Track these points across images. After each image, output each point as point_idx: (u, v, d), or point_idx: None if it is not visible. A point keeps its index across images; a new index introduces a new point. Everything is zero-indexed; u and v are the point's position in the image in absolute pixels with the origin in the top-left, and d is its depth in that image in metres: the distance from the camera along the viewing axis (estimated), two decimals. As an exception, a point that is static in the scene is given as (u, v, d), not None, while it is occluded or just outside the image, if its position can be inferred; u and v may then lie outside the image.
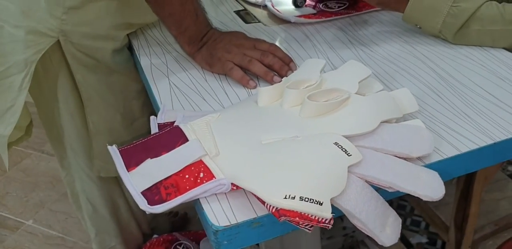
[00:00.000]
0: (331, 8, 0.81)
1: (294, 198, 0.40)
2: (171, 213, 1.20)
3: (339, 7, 0.81)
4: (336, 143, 0.44)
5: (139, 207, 0.42)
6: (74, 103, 0.76)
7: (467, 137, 0.50)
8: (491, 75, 0.60)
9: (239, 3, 0.88)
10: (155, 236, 1.03)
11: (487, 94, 0.57)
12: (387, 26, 0.75)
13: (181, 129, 0.47)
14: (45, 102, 0.77)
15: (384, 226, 0.43)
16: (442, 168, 0.47)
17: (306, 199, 0.40)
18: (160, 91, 0.61)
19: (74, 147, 0.82)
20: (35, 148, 1.59)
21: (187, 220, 1.23)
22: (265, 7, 0.84)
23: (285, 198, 0.40)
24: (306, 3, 0.82)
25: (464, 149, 0.48)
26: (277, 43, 0.72)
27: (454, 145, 0.49)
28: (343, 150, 0.44)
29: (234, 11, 0.85)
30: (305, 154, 0.43)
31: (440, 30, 0.66)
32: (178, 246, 1.03)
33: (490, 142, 0.49)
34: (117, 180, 0.89)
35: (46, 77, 0.73)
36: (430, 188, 0.43)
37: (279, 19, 0.80)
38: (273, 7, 0.81)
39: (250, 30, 0.77)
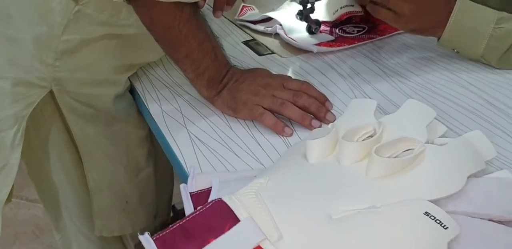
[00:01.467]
0: (349, 33, 0.74)
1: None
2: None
3: (358, 31, 0.74)
4: (427, 213, 0.35)
5: None
6: (70, 160, 0.66)
7: (561, 185, 0.42)
8: (555, 103, 0.53)
9: (247, 33, 0.80)
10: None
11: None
12: (417, 51, 0.68)
13: (226, 204, 0.38)
14: (36, 159, 0.67)
15: None
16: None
17: (409, 295, 0.31)
18: (180, 146, 0.52)
19: (70, 207, 0.72)
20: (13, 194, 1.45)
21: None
22: (276, 35, 0.75)
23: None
24: (321, 29, 0.75)
25: None
26: (301, 78, 0.63)
27: (549, 196, 0.41)
28: (437, 221, 0.35)
29: (242, 42, 0.76)
30: (394, 232, 0.35)
31: (482, 54, 0.59)
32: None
33: None
34: (121, 240, 0.79)
35: (36, 132, 0.63)
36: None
37: (295, 49, 0.72)
38: (286, 35, 0.73)
39: (265, 62, 0.69)
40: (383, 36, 0.72)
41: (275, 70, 0.67)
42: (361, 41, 0.71)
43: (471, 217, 0.37)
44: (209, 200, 0.41)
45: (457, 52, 0.62)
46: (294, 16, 0.75)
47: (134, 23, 0.55)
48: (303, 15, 0.72)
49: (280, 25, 0.75)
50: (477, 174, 0.41)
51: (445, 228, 0.35)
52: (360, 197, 0.38)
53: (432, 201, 0.37)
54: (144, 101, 0.61)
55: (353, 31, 0.74)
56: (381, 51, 0.69)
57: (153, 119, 0.57)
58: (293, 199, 0.39)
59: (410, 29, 0.60)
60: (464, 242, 0.35)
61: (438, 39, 0.60)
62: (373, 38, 0.72)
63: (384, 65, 0.65)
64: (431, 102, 0.55)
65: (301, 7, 0.73)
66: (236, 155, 0.50)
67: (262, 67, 0.67)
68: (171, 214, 1.17)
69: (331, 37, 0.72)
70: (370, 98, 0.57)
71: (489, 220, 0.37)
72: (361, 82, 0.62)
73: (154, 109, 0.59)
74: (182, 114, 0.57)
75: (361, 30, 0.74)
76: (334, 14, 0.75)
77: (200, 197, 0.42)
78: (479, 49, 0.59)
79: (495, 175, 0.41)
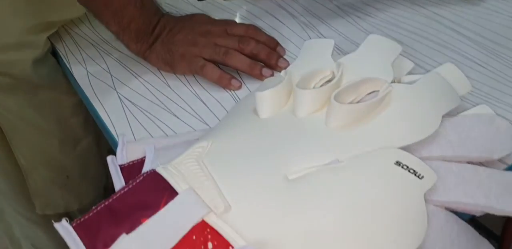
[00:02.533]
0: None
1: (366, 264, 0.26)
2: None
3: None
4: (398, 163, 0.30)
5: None
6: None
7: (544, 117, 0.37)
8: (530, 28, 0.48)
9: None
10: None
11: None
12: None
13: (161, 176, 0.31)
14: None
15: (479, 263, 0.31)
16: (529, 167, 0.34)
17: (385, 263, 0.26)
18: (109, 111, 0.44)
19: (2, 189, 0.64)
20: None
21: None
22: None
23: (355, 266, 0.26)
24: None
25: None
26: (248, 22, 0.55)
27: (532, 131, 0.36)
28: (411, 171, 0.30)
29: (179, -12, 0.67)
30: (361, 189, 0.29)
31: None
32: None
33: None
34: (69, 216, 0.72)
35: None
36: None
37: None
38: (228, -24, 0.64)
39: (206, 8, 0.60)
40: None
41: (217, 16, 0.58)
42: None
43: (448, 161, 0.32)
44: (143, 172, 0.34)
45: None
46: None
47: None
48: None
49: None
50: (451, 113, 0.35)
51: (421, 178, 0.29)
52: (320, 152, 0.32)
53: (403, 148, 0.31)
54: (67, 64, 0.52)
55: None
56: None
57: (78, 83, 0.49)
58: (242, 162, 0.32)
59: None
60: (443, 191, 0.30)
61: None
62: (326, -28, 0.64)
63: (343, 3, 0.58)
64: (394, 37, 0.49)
65: None
66: (176, 117, 0.42)
67: (201, 13, 0.59)
68: None
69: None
70: (326, 38, 0.50)
71: (468, 163, 0.32)
72: (316, 21, 0.54)
73: (78, 71, 0.50)
74: (111, 75, 0.49)
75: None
76: None
77: (132, 169, 0.35)
78: None
79: (472, 111, 0.35)
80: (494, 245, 0.32)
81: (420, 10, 0.54)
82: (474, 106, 0.37)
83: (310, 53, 0.41)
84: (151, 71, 0.49)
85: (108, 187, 0.73)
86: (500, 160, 0.34)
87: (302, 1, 0.59)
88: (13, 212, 0.67)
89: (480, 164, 0.33)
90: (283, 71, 0.40)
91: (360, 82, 0.35)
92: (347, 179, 0.30)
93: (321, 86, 0.37)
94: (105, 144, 0.71)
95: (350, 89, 0.35)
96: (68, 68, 0.52)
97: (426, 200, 0.29)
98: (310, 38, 0.50)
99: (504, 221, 0.81)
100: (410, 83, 0.36)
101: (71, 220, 0.74)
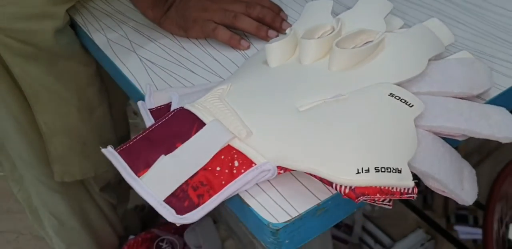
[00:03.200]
0: None
1: (368, 171, 0.31)
2: (138, 207, 1.08)
3: None
4: (391, 94, 0.35)
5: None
6: (16, 104, 0.61)
7: (514, 62, 0.43)
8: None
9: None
10: (131, 237, 0.91)
11: (506, 11, 0.50)
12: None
13: (190, 111, 0.36)
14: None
15: (462, 182, 0.36)
16: (503, 102, 0.40)
17: (383, 169, 0.32)
18: (131, 69, 0.49)
19: (23, 156, 0.68)
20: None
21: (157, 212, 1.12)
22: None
23: (358, 172, 0.31)
24: None
25: (519, 77, 0.42)
26: None
27: (506, 73, 0.42)
28: (402, 101, 0.35)
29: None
30: (361, 115, 0.34)
31: None
32: (160, 243, 0.93)
33: (541, 63, 0.43)
34: (83, 184, 0.76)
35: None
36: (506, 127, 0.36)
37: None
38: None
39: None
40: None
41: None
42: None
43: (435, 96, 0.38)
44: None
45: None
46: None
47: None
48: None
49: None
50: (437, 58, 0.40)
51: (411, 106, 0.35)
52: (325, 89, 0.37)
53: (396, 85, 0.37)
54: (87, 32, 0.57)
55: None
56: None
57: (99, 48, 0.53)
58: (258, 98, 0.37)
59: None
60: (430, 117, 0.35)
61: None
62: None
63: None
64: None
65: None
66: (193, 72, 0.47)
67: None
68: None
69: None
70: None
71: (452, 97, 0.38)
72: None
73: (99, 38, 0.55)
74: (130, 40, 0.54)
75: None
76: None
77: (160, 112, 0.40)
78: None
79: (455, 56, 0.41)
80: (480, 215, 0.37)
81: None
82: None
83: (312, 12, 0.46)
84: (166, 36, 0.53)
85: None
86: (478, 96, 0.40)
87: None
88: (33, 179, 0.72)
89: (462, 99, 0.39)
90: (288, 29, 0.45)
91: (358, 32, 0.40)
92: (350, 107, 0.35)
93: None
94: (116, 113, 0.75)
95: (349, 39, 0.40)
96: (88, 36, 0.56)
97: (416, 125, 0.35)
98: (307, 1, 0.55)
99: (489, 192, 0.88)
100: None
101: (87, 187, 0.76)
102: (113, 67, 0.51)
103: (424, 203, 1.08)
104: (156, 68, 0.49)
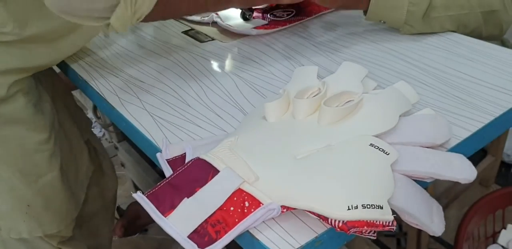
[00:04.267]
0: (280, 17, 0.81)
1: (357, 207, 0.38)
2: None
3: (287, 15, 0.82)
4: (371, 145, 0.43)
5: None
6: None
7: (470, 117, 0.52)
8: (459, 58, 0.64)
9: (184, 24, 0.84)
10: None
11: (465, 75, 0.60)
12: (343, 28, 0.77)
13: (205, 161, 0.43)
14: None
15: (432, 216, 0.43)
16: (461, 150, 0.48)
17: (368, 206, 0.39)
18: (146, 127, 0.56)
19: None
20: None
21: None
22: (214, 24, 0.81)
23: (349, 209, 0.38)
24: (254, 15, 0.81)
25: (473, 129, 0.50)
26: (244, 60, 0.70)
27: (463, 126, 0.51)
28: (381, 150, 0.43)
29: (182, 32, 0.81)
30: (348, 161, 0.42)
31: (405, 20, 0.67)
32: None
33: (491, 118, 0.52)
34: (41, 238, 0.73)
35: None
36: (464, 171, 0.44)
37: (233, 34, 0.78)
38: (224, 22, 0.79)
39: (208, 48, 0.75)
40: (311, 17, 0.81)
41: (218, 54, 0.72)
42: (292, 23, 0.79)
43: (406, 145, 0.46)
44: (186, 161, 0.46)
45: (384, 22, 0.70)
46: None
47: (11, 31, 0.55)
48: (237, 2, 0.79)
49: (216, 14, 0.81)
50: (405, 114, 0.49)
51: (387, 154, 0.43)
52: (317, 140, 0.45)
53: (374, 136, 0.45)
54: (100, 93, 0.64)
55: (283, 15, 0.82)
56: (311, 30, 0.78)
57: (114, 107, 0.60)
58: (262, 149, 0.45)
59: (337, 6, 0.68)
60: (403, 163, 0.43)
61: (365, 13, 0.69)
62: (302, 19, 0.80)
63: (317, 42, 0.73)
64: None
65: None
66: (200, 127, 0.55)
67: (206, 52, 0.73)
68: (118, 216, 1.17)
69: (265, 22, 0.79)
70: (309, 68, 0.65)
71: (420, 146, 0.46)
72: (299, 57, 0.69)
73: (111, 98, 0.62)
74: (140, 99, 0.61)
75: (290, 13, 0.82)
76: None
77: (176, 162, 0.47)
78: (401, 16, 0.67)
79: (421, 112, 0.50)
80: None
81: (377, 46, 0.70)
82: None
83: (301, 76, 0.55)
84: (171, 95, 0.61)
85: (80, 215, 0.75)
86: (441, 145, 0.48)
87: (285, 41, 0.74)
88: None
89: (428, 148, 0.47)
90: (281, 90, 0.54)
91: (341, 93, 0.49)
92: (338, 155, 0.42)
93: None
94: (72, 179, 0.73)
95: (334, 99, 0.48)
96: (102, 96, 0.63)
97: (392, 170, 0.42)
98: (292, 65, 0.65)
99: (456, 232, 0.95)
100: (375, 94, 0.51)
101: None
102: (129, 125, 0.57)
103: (398, 246, 1.15)
104: (167, 124, 0.56)
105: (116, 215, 1.18)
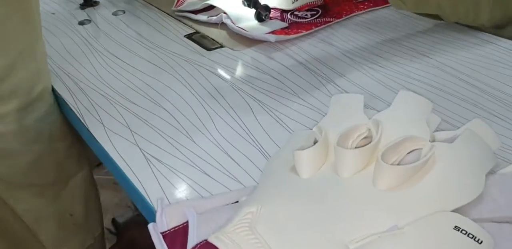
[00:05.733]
0: (303, 17, 0.67)
1: None
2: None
3: (312, 15, 0.67)
4: (457, 228, 0.30)
5: None
6: None
7: None
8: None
9: (187, 25, 0.70)
10: None
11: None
12: (377, 32, 0.63)
13: (215, 247, 0.30)
14: None
15: None
16: None
17: None
18: (135, 171, 0.43)
19: None
20: None
21: None
22: (222, 25, 0.67)
23: None
24: (271, 15, 0.67)
25: None
26: (261, 73, 0.56)
27: None
28: (470, 236, 0.30)
29: (185, 36, 0.67)
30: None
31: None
32: None
33: None
34: None
35: None
36: None
37: (246, 39, 0.64)
38: (234, 25, 0.65)
39: (216, 57, 0.61)
40: (340, 19, 0.66)
41: (229, 65, 0.59)
42: (318, 26, 0.65)
43: (498, 222, 0.33)
44: (189, 240, 0.32)
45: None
46: (241, 3, 0.67)
47: None
48: (251, 1, 0.65)
49: (225, 13, 0.67)
50: (490, 172, 0.36)
51: (480, 243, 0.30)
52: (376, 217, 0.32)
53: (455, 211, 0.32)
54: (81, 119, 0.50)
55: (306, 15, 0.68)
56: (340, 35, 0.63)
57: (97, 140, 0.47)
58: (298, 231, 0.31)
59: None
60: (502, 255, 0.30)
61: None
62: (330, 21, 0.66)
63: (348, 51, 0.59)
64: (413, 90, 0.50)
65: None
66: (208, 175, 0.41)
67: (213, 63, 0.59)
68: (114, 230, 1.06)
69: (284, 24, 0.65)
70: (346, 91, 0.51)
71: (517, 223, 0.33)
72: (330, 72, 0.55)
73: (95, 128, 0.49)
74: (130, 129, 0.48)
75: (315, 14, 0.68)
76: (293, 3, 0.68)
77: (175, 236, 0.34)
78: None
79: (509, 169, 0.37)
80: None
81: (427, 59, 0.56)
82: (506, 161, 0.38)
83: (341, 109, 0.42)
84: (169, 123, 0.48)
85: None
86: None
87: (309, 50, 0.60)
88: None
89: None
90: (315, 127, 0.40)
91: (402, 141, 0.35)
92: (409, 244, 0.29)
93: (360, 144, 0.38)
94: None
95: (392, 149, 0.35)
96: (83, 124, 0.50)
97: (485, 264, 0.29)
98: (329, 91, 0.51)
99: None
100: (445, 141, 0.37)
101: None
102: (116, 168, 0.44)
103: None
104: (165, 169, 0.42)
105: (111, 227, 1.06)
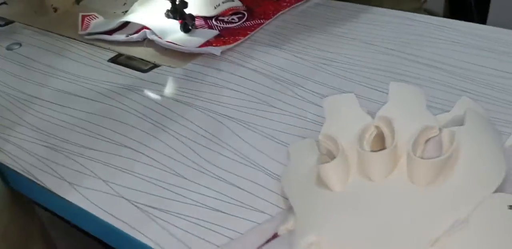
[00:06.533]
0: (231, 22, 0.64)
1: None
2: None
3: (239, 19, 0.65)
4: (510, 207, 0.31)
5: None
6: None
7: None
8: (470, 49, 0.54)
9: (104, 48, 0.62)
10: None
11: (493, 70, 0.50)
12: (312, 27, 0.63)
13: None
14: None
15: None
16: None
17: None
18: (125, 219, 0.36)
19: None
20: None
21: None
22: (149, 42, 0.61)
23: None
24: (196, 25, 0.63)
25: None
26: (220, 87, 0.52)
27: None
28: (525, 211, 0.30)
29: (108, 61, 0.59)
30: (496, 239, 0.29)
31: None
32: None
33: None
34: None
35: None
36: None
37: (178, 54, 0.58)
38: (163, 40, 0.59)
39: (158, 79, 0.55)
40: (270, 19, 0.65)
41: (177, 85, 0.53)
42: (253, 30, 0.62)
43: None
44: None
45: None
46: (164, 15, 0.61)
47: None
48: (178, 11, 0.59)
49: (147, 28, 0.61)
50: (498, 144, 0.37)
51: (535, 216, 0.30)
52: (432, 216, 0.31)
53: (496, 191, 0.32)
54: (38, 181, 0.41)
55: (234, 19, 0.65)
56: (276, 35, 0.62)
57: (72, 204, 0.39)
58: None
59: None
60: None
61: None
62: (262, 23, 0.64)
63: (292, 50, 0.58)
64: (381, 81, 0.51)
65: (166, 4, 0.60)
66: (222, 212, 0.37)
67: (158, 86, 0.53)
68: None
69: (215, 31, 0.61)
70: (315, 92, 0.50)
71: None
72: (286, 74, 0.53)
73: (61, 188, 0.40)
74: (103, 180, 0.41)
75: (242, 17, 0.65)
76: (215, 8, 0.64)
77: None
78: None
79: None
80: None
81: (371, 46, 0.57)
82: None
83: (339, 111, 0.40)
84: (148, 164, 0.42)
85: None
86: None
87: (257, 55, 0.57)
88: None
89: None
90: (321, 135, 0.38)
91: (421, 132, 0.35)
92: (479, 235, 0.29)
93: (374, 143, 0.37)
94: None
95: (416, 143, 0.35)
96: (42, 187, 0.41)
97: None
98: (298, 96, 0.49)
99: None
100: (449, 124, 0.38)
101: None
102: (106, 228, 0.37)
103: None
104: (168, 215, 0.37)
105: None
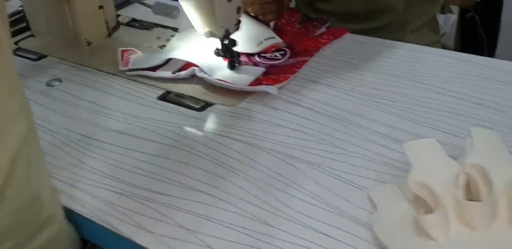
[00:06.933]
0: (274, 59, 0.64)
1: None
2: None
3: (282, 55, 0.65)
4: None
5: None
6: None
7: None
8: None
9: (149, 85, 0.61)
10: None
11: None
12: (353, 64, 0.64)
13: None
14: None
15: None
16: None
17: None
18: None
19: None
20: None
21: None
22: (198, 79, 0.60)
23: None
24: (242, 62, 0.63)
25: None
26: (278, 128, 0.52)
27: None
28: None
29: (157, 98, 0.59)
30: None
31: None
32: None
33: None
34: None
35: None
36: None
37: (229, 91, 0.58)
38: (213, 78, 0.59)
39: (213, 118, 0.54)
40: (313, 56, 0.66)
41: (237, 124, 0.53)
42: (299, 67, 0.63)
43: None
44: None
45: None
46: (213, 54, 0.61)
47: None
48: (228, 50, 0.60)
49: (196, 66, 0.61)
50: None
51: None
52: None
53: None
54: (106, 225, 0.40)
55: (277, 56, 0.65)
56: (321, 72, 0.62)
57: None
58: None
59: None
60: None
61: None
62: (306, 60, 0.64)
63: (342, 87, 0.58)
64: (437, 120, 0.52)
65: (205, 39, 0.60)
66: (320, 262, 0.36)
67: (215, 124, 0.53)
68: None
69: (262, 69, 0.62)
70: (379, 133, 0.50)
71: None
72: (344, 113, 0.53)
73: (140, 236, 0.39)
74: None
75: (285, 54, 0.66)
76: (258, 45, 0.64)
77: None
78: None
79: None
80: None
81: (415, 83, 0.58)
82: None
83: (423, 157, 0.40)
84: (230, 211, 0.41)
85: None
86: None
87: (309, 94, 0.58)
88: None
89: None
90: (411, 182, 0.38)
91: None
92: None
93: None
94: None
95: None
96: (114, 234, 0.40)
97: None
98: (366, 136, 0.49)
99: None
100: None
101: None
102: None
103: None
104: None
105: None
